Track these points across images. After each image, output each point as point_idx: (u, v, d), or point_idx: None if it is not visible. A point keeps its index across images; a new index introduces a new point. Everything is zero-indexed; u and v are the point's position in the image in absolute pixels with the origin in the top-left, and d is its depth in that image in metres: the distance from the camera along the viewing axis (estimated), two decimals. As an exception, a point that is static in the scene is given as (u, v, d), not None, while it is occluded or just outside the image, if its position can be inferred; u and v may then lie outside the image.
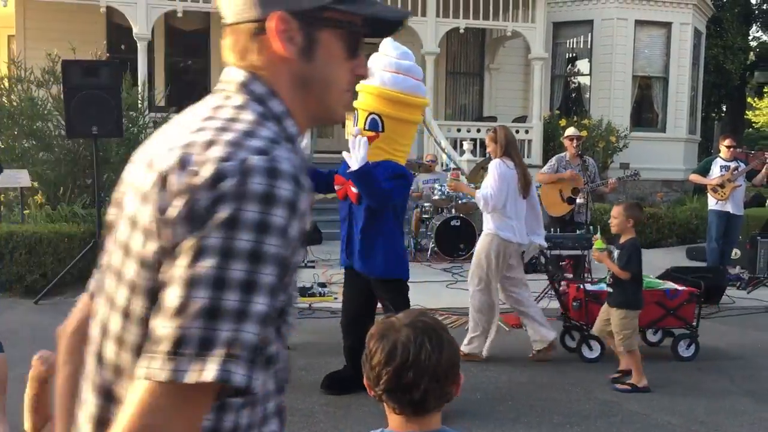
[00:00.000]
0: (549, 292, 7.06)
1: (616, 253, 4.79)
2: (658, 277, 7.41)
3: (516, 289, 5.43)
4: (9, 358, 5.09)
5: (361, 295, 4.47)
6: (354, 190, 4.20)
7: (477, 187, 10.13)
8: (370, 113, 4.26)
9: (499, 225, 5.18)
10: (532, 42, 13.42)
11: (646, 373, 5.13)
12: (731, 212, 8.25)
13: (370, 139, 4.21)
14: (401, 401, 1.42)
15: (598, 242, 4.79)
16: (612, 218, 4.74)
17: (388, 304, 4.27)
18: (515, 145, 5.40)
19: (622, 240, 4.71)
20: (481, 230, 8.80)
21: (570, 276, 7.56)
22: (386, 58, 4.39)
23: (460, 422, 4.13)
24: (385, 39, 4.56)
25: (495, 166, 5.14)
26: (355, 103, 4.22)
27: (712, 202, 8.33)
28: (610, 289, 4.91)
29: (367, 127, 4.24)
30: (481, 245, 5.30)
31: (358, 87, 4.19)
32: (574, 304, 5.43)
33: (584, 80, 15.29)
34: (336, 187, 4.31)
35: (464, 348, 5.13)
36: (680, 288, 5.49)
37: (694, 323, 5.43)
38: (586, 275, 7.29)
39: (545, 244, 5.67)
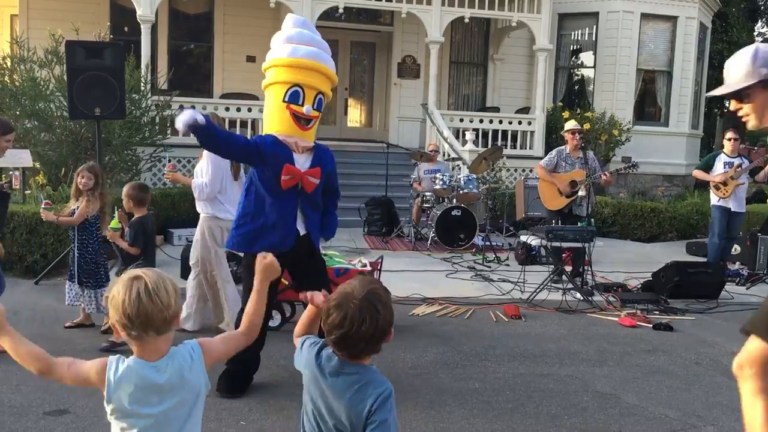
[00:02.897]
0: (549, 284, 7.08)
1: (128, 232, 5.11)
2: (657, 272, 7.45)
3: (217, 267, 5.59)
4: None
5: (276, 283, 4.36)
6: (313, 180, 4.13)
7: (479, 177, 10.16)
8: (318, 92, 4.13)
9: (215, 208, 5.41)
10: (537, 33, 13.38)
11: (644, 366, 5.15)
12: (733, 209, 8.25)
13: (315, 120, 4.17)
14: (343, 351, 1.96)
15: (113, 221, 4.96)
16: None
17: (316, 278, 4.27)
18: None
19: (134, 218, 4.99)
20: (483, 221, 8.80)
21: (569, 268, 7.59)
22: (306, 33, 4.21)
23: (459, 410, 4.16)
24: (289, 14, 4.46)
25: (207, 155, 5.32)
26: (302, 81, 4.05)
27: (715, 199, 8.33)
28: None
29: (316, 107, 4.11)
30: (201, 229, 5.48)
31: (296, 62, 4.08)
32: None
33: (588, 73, 15.25)
34: (285, 177, 4.05)
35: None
36: (349, 267, 5.72)
37: None
38: (585, 267, 7.30)
39: None
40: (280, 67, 4.12)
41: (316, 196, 4.26)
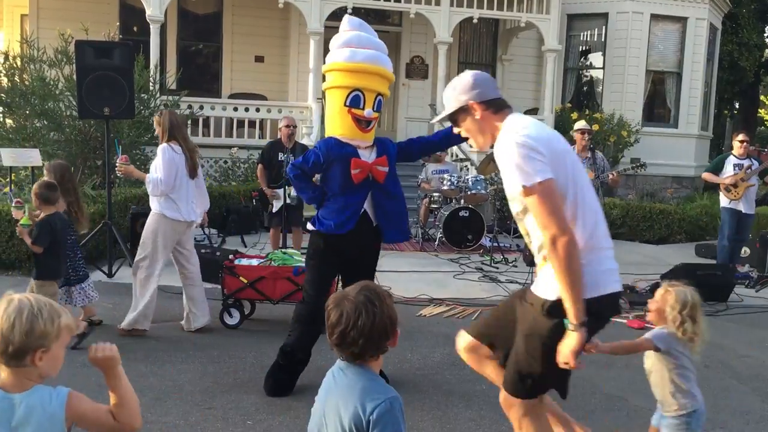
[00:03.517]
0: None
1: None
2: (666, 274, 7.41)
3: (187, 264, 5.58)
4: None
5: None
6: (382, 169, 4.19)
7: (487, 178, 10.13)
8: (378, 94, 4.23)
9: (164, 205, 5.33)
10: (546, 34, 13.35)
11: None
12: (743, 211, 8.20)
13: (375, 121, 4.24)
14: (345, 352, 1.95)
15: (24, 219, 4.92)
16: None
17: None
18: (181, 129, 5.50)
19: (42, 217, 4.96)
20: (490, 222, 8.67)
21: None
22: (363, 36, 4.28)
23: (467, 411, 4.14)
24: (346, 16, 4.51)
25: (162, 151, 5.27)
26: (362, 85, 4.16)
27: (725, 201, 8.28)
28: (253, 262, 5.78)
29: (376, 109, 4.21)
30: (148, 224, 5.42)
31: (355, 66, 4.14)
32: (220, 273, 5.72)
33: (597, 74, 15.21)
34: (355, 171, 4.12)
35: (126, 325, 5.31)
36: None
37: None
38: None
39: (198, 221, 5.77)
40: (339, 71, 4.22)
41: (390, 185, 4.29)
